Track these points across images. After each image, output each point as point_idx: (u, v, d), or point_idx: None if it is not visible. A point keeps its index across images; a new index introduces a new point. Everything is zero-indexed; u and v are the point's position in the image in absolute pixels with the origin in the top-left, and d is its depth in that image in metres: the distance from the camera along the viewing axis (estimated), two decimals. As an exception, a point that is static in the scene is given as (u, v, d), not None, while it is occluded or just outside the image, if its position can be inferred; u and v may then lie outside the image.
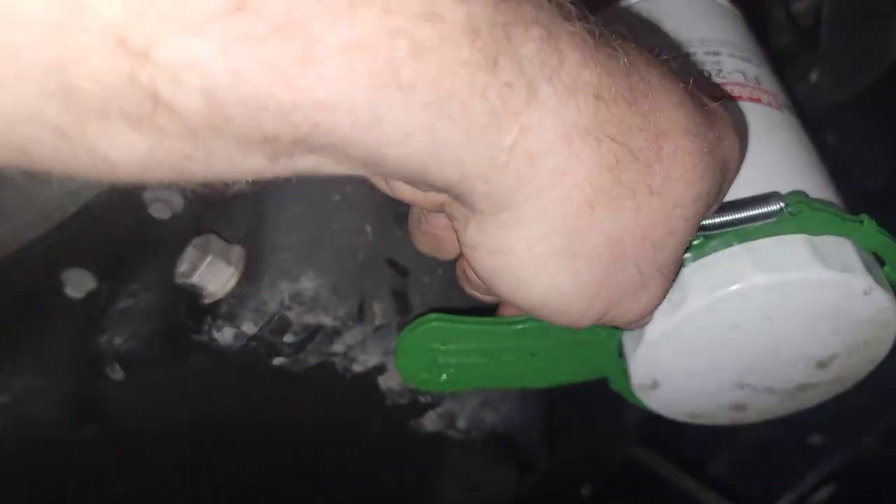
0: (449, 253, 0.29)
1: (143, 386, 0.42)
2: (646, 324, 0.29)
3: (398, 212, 0.41)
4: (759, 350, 0.33)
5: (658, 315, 0.31)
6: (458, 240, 0.23)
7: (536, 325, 0.33)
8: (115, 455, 0.47)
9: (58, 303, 0.47)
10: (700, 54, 0.37)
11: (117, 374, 0.41)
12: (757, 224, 0.29)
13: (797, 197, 0.30)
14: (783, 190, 0.32)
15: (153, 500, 0.51)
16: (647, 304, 0.25)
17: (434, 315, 0.33)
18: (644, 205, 0.22)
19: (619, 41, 0.21)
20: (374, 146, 0.17)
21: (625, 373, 0.34)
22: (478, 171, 0.18)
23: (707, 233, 0.29)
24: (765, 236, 0.30)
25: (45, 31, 0.13)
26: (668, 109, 0.22)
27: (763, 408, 0.36)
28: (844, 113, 0.53)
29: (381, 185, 0.24)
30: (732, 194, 0.30)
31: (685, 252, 0.28)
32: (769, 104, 0.36)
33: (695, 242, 0.30)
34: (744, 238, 0.30)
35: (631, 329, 0.30)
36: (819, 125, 0.52)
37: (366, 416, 0.41)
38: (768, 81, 0.38)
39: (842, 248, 0.30)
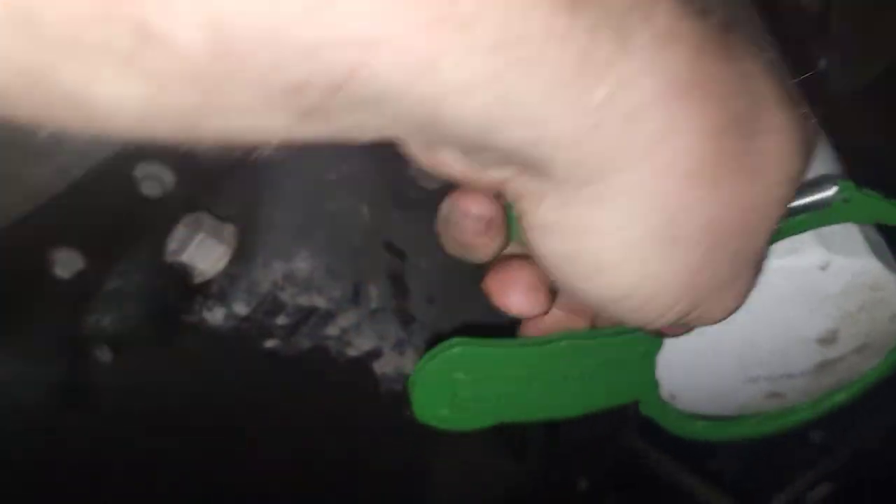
0: (483, 255, 0.26)
1: (132, 368, 0.41)
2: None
3: (397, 192, 0.40)
4: (745, 345, 0.32)
5: None
6: (521, 222, 0.20)
7: (574, 343, 0.30)
8: (104, 438, 0.46)
9: (46, 283, 0.46)
10: None
11: (106, 355, 0.40)
12: (810, 213, 0.28)
13: (847, 182, 0.29)
14: None
15: (143, 483, 0.50)
16: (735, 300, 0.22)
17: (456, 340, 0.29)
18: (744, 183, 0.19)
19: None
20: (429, 99, 0.14)
21: (658, 393, 0.33)
22: (561, 135, 0.15)
23: None
24: (809, 228, 0.29)
25: None
26: (762, 75, 0.19)
27: (800, 390, 0.35)
28: (855, 102, 0.52)
29: (422, 158, 0.20)
30: None
31: None
32: None
33: None
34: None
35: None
36: (828, 113, 0.51)
37: (359, 402, 0.40)
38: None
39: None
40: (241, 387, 0.40)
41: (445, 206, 0.25)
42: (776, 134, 0.20)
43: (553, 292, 0.26)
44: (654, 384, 0.33)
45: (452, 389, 0.30)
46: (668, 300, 0.20)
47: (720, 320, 0.23)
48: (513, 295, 0.25)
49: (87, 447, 0.47)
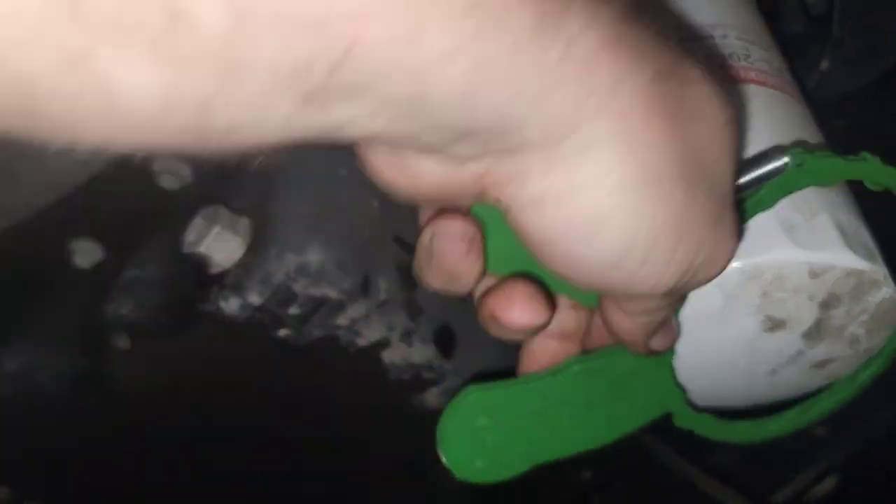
0: (466, 283, 0.26)
1: (149, 355, 0.42)
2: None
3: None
4: (748, 349, 0.33)
5: None
6: (510, 214, 0.21)
7: (585, 366, 0.30)
8: (120, 424, 0.48)
9: (65, 272, 0.47)
10: (731, 38, 0.38)
11: (124, 342, 0.42)
12: (769, 182, 0.29)
13: (798, 148, 0.30)
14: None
15: (157, 469, 0.51)
16: (728, 244, 0.24)
17: (471, 387, 0.30)
18: (692, 122, 0.21)
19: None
20: (415, 73, 0.15)
21: (686, 402, 0.34)
22: (530, 94, 0.17)
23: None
24: (775, 200, 0.29)
25: None
26: (668, 37, 0.21)
27: (795, 384, 0.36)
28: (854, 102, 0.53)
29: (398, 175, 0.21)
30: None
31: None
32: (792, 94, 0.37)
33: None
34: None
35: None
36: (828, 114, 0.52)
37: (368, 391, 0.41)
38: (788, 74, 0.39)
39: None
40: (253, 373, 0.41)
41: (425, 235, 0.25)
42: (699, 84, 0.22)
43: (551, 302, 0.26)
44: (679, 392, 0.33)
45: (480, 438, 0.30)
46: (668, 245, 0.21)
47: (718, 273, 0.24)
48: (515, 308, 0.26)
49: (104, 433, 0.48)
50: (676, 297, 0.26)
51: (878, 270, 0.31)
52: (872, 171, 0.31)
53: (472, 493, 0.57)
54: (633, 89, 0.19)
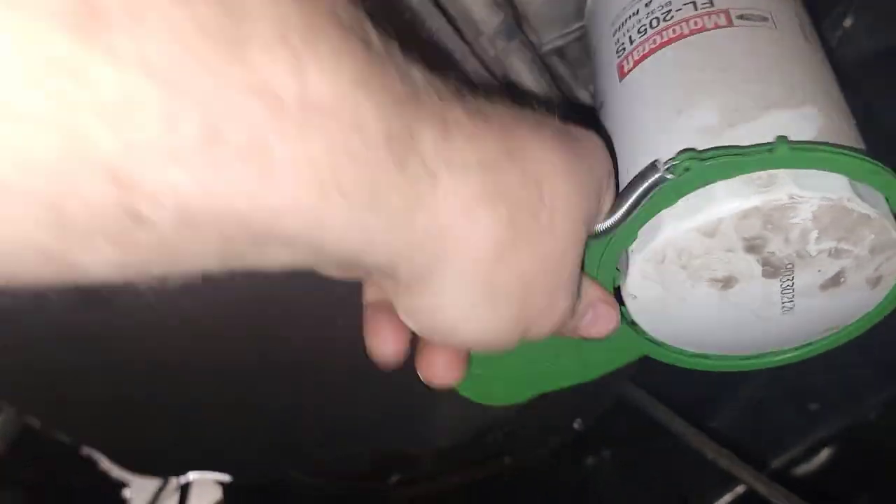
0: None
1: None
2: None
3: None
4: (722, 318, 0.33)
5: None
6: (394, 305, 0.27)
7: None
8: (123, 343, 0.48)
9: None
10: None
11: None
12: (652, 196, 0.29)
13: (685, 155, 0.29)
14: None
15: (159, 389, 0.52)
16: (560, 315, 0.29)
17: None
18: (538, 243, 0.26)
19: (492, 106, 0.25)
20: (317, 243, 0.20)
21: (654, 342, 0.35)
22: (400, 253, 0.22)
23: (610, 233, 0.31)
24: (668, 205, 0.30)
25: (49, 171, 0.15)
26: (541, 157, 0.26)
27: (835, 307, 0.34)
28: (878, 61, 0.52)
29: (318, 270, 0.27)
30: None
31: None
32: (715, 26, 0.34)
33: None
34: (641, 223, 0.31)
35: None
36: (851, 73, 0.51)
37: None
38: (792, 12, 0.36)
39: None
40: (256, 297, 0.41)
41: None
42: (558, 199, 0.26)
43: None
44: (641, 343, 0.35)
45: (481, 381, 0.35)
46: (506, 336, 0.27)
47: (549, 333, 0.29)
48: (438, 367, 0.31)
49: (106, 350, 0.49)
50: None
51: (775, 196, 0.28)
52: (781, 159, 0.28)
53: (474, 429, 0.57)
54: (480, 241, 0.24)
